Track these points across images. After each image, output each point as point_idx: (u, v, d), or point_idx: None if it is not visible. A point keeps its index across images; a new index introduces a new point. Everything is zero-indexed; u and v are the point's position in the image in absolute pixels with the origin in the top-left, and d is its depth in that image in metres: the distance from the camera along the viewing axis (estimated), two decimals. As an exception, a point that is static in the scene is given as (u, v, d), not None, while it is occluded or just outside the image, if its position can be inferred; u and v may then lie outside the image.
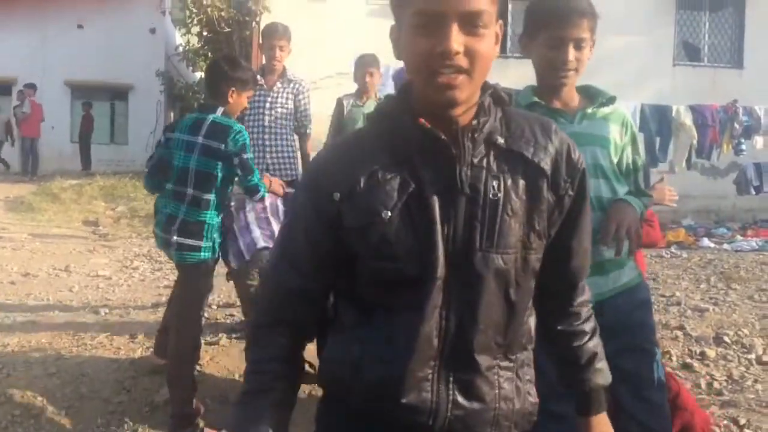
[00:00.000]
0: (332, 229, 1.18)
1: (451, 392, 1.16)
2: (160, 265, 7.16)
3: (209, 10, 12.91)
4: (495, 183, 1.15)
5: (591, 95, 2.12)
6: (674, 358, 4.25)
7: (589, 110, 2.07)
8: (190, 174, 3.24)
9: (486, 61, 1.12)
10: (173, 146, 3.35)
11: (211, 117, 3.26)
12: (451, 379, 1.16)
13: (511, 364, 1.22)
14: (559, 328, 1.34)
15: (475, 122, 1.15)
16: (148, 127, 18.47)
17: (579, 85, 2.12)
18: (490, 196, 1.15)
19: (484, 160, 1.16)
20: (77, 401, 3.53)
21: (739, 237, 10.45)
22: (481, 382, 1.17)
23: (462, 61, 1.09)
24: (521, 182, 1.17)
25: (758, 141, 10.19)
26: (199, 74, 16.20)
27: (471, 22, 1.08)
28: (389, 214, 1.13)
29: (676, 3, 14.07)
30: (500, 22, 1.16)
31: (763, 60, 13.68)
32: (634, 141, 2.15)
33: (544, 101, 2.04)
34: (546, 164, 1.20)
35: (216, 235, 3.32)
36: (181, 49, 15.85)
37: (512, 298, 1.18)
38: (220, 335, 4.38)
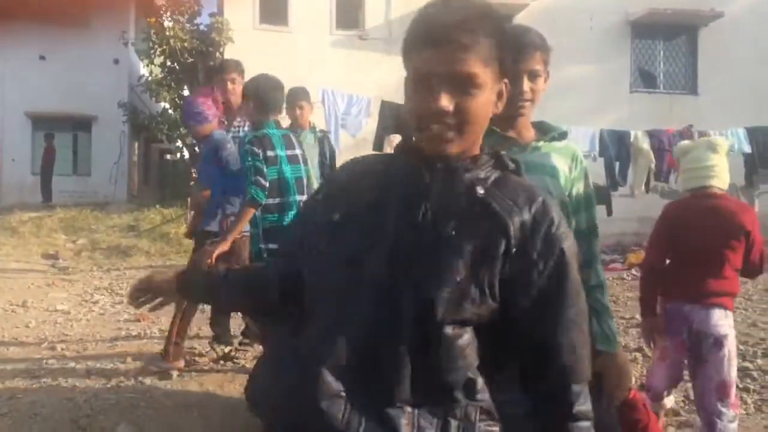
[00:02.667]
0: None
1: None
2: (120, 299, 7.03)
3: (172, 40, 12.90)
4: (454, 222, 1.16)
5: (544, 130, 2.19)
6: (633, 380, 4.29)
7: (541, 143, 2.13)
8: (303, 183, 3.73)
9: (479, 119, 1.19)
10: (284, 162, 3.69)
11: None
12: None
13: None
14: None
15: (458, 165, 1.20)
16: (112, 157, 18.24)
17: (534, 121, 2.19)
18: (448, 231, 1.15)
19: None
20: (29, 442, 3.43)
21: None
22: None
23: (451, 119, 1.14)
24: (482, 231, 1.16)
25: (713, 164, 10.45)
26: (163, 104, 16.11)
27: (461, 84, 1.14)
28: None
29: (631, 32, 14.50)
30: (505, 80, 1.26)
31: (717, 85, 14.12)
32: (585, 176, 2.19)
33: (499, 130, 2.11)
34: (512, 224, 1.16)
35: None
36: (144, 79, 15.76)
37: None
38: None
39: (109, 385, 4.10)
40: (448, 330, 1.13)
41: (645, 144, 10.20)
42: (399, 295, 1.13)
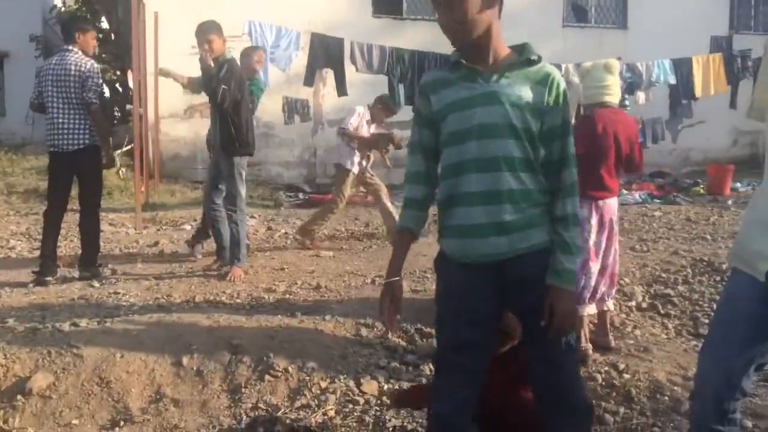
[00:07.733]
0: None
1: None
2: (38, 244, 6.70)
3: (85, -32, 12.06)
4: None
5: (522, 54, 2.10)
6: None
7: (511, 71, 2.05)
8: None
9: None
10: None
11: None
12: None
13: None
14: None
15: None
16: (28, 96, 17.16)
17: (516, 44, 2.13)
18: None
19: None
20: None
21: (624, 191, 10.93)
22: None
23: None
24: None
25: (640, 96, 10.64)
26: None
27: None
28: None
29: (565, -35, 14.39)
30: None
31: (646, 20, 14.28)
32: (562, 102, 2.08)
33: (468, 61, 2.07)
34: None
35: None
36: (58, 11, 14.77)
37: None
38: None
39: (24, 334, 3.89)
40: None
41: (575, 77, 10.25)
42: None
